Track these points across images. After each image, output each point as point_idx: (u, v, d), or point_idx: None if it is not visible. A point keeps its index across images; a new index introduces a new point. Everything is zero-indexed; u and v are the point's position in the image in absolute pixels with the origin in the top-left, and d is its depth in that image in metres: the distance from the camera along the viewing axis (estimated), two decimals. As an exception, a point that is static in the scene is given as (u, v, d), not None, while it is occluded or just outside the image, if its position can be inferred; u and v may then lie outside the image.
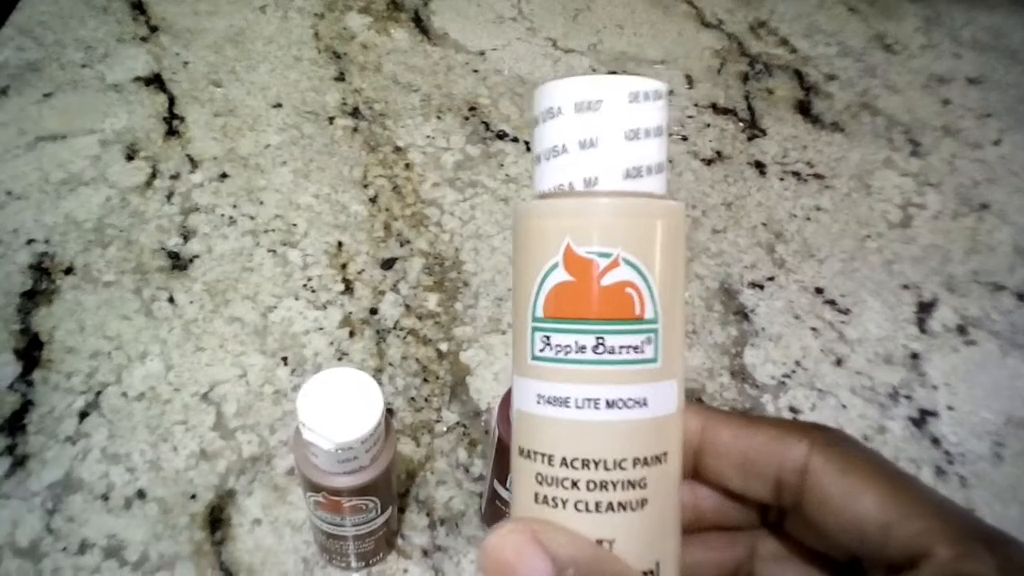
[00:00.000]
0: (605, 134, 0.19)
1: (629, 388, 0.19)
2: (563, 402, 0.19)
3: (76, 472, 0.45)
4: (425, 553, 0.44)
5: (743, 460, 0.21)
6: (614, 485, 0.19)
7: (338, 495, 0.36)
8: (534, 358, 0.20)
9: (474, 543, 0.44)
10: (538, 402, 0.19)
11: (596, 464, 0.19)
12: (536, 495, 0.19)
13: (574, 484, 0.19)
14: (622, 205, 0.19)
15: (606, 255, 0.19)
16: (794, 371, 0.53)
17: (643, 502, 0.19)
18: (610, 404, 0.19)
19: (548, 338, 0.19)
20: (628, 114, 0.19)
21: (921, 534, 0.18)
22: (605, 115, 0.19)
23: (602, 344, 0.19)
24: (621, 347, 0.19)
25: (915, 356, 0.56)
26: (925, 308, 0.59)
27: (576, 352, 0.19)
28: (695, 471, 0.22)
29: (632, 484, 0.19)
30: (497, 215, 0.61)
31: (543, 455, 0.19)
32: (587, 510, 0.19)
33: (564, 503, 0.19)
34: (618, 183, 0.19)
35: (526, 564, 0.17)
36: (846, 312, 0.58)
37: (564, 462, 0.19)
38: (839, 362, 0.55)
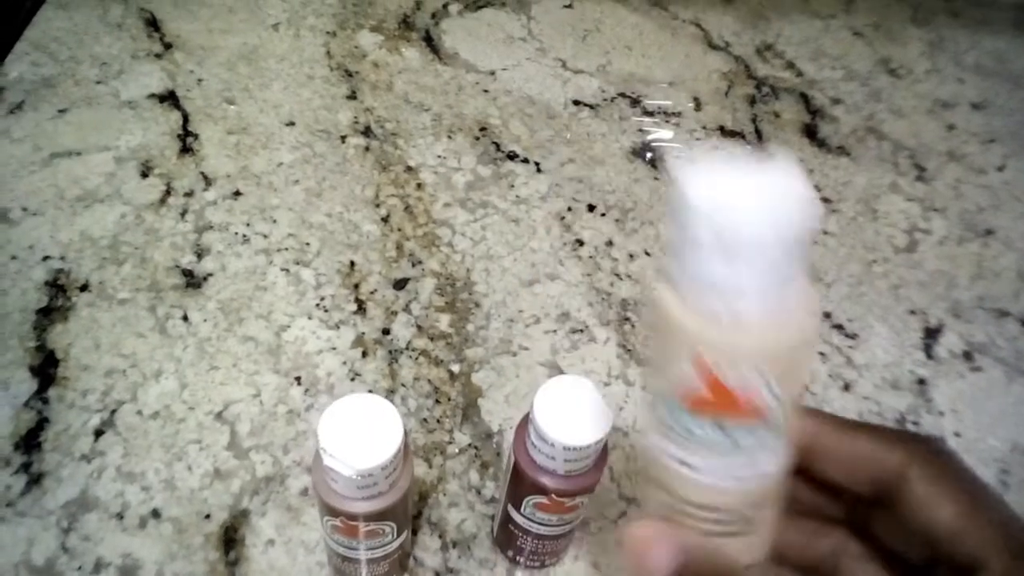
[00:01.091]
0: (756, 271, 0.20)
1: (750, 464, 0.23)
2: (693, 468, 0.23)
3: (91, 490, 0.45)
4: (437, 575, 0.44)
5: (849, 461, 0.24)
6: (728, 523, 0.24)
7: (355, 520, 0.36)
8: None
9: (486, 566, 0.45)
10: (671, 457, 0.23)
11: (714, 510, 0.23)
12: (663, 514, 0.24)
13: (694, 517, 0.24)
14: (765, 341, 0.21)
15: (744, 386, 0.21)
16: (802, 396, 0.54)
17: (748, 532, 0.24)
18: (734, 478, 0.23)
19: (688, 423, 0.22)
20: (777, 257, 0.20)
21: (984, 545, 0.20)
22: (758, 254, 0.20)
23: (731, 436, 0.22)
24: (746, 439, 0.22)
25: (922, 382, 0.56)
26: (931, 334, 0.59)
27: (710, 436, 0.22)
28: (803, 466, 0.24)
29: (742, 521, 0.24)
30: (508, 236, 0.61)
31: (670, 494, 0.24)
32: (702, 534, 0.24)
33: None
34: (763, 314, 0.20)
35: (659, 549, 0.23)
36: (853, 337, 0.58)
37: (689, 503, 0.24)
38: (847, 387, 0.55)
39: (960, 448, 0.53)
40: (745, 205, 0.20)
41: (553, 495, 0.37)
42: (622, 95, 0.75)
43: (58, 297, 0.53)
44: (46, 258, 0.55)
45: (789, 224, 0.20)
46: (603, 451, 0.37)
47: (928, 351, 0.58)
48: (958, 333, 0.59)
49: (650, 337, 0.23)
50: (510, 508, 0.41)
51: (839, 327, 0.59)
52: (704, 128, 0.73)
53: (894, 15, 0.89)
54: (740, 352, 0.21)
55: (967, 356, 0.58)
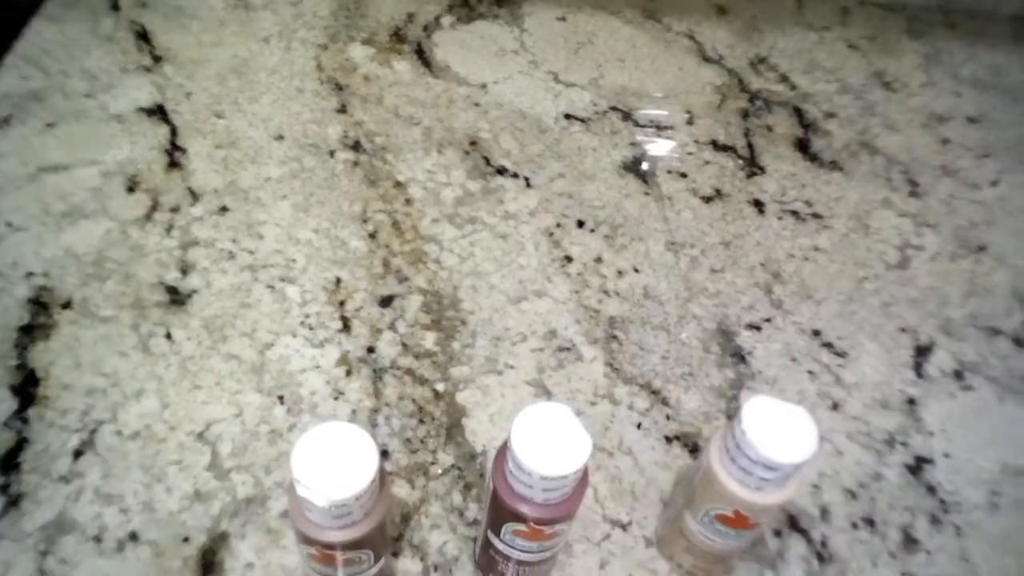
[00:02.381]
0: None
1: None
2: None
3: (69, 512, 0.44)
4: (418, 600, 0.44)
5: None
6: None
7: (332, 549, 0.36)
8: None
9: (467, 590, 0.44)
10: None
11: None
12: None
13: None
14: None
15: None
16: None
17: None
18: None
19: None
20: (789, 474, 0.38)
21: None
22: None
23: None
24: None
25: (912, 401, 0.56)
26: (922, 352, 0.59)
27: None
28: None
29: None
30: (496, 252, 0.61)
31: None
32: None
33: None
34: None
35: None
36: (843, 355, 0.58)
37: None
38: (836, 406, 0.55)
39: (950, 469, 0.52)
40: (780, 447, 0.37)
41: (532, 523, 0.37)
42: (614, 108, 0.75)
43: (40, 315, 0.53)
44: (29, 275, 0.55)
45: (804, 458, 0.37)
46: (583, 478, 0.37)
47: (919, 370, 0.58)
48: (949, 351, 0.59)
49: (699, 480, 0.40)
50: (490, 534, 0.40)
51: (828, 345, 0.58)
52: (696, 142, 0.73)
53: (889, 27, 0.89)
54: (755, 506, 0.39)
55: (958, 375, 0.58)
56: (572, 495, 0.37)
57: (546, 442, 0.35)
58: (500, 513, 0.38)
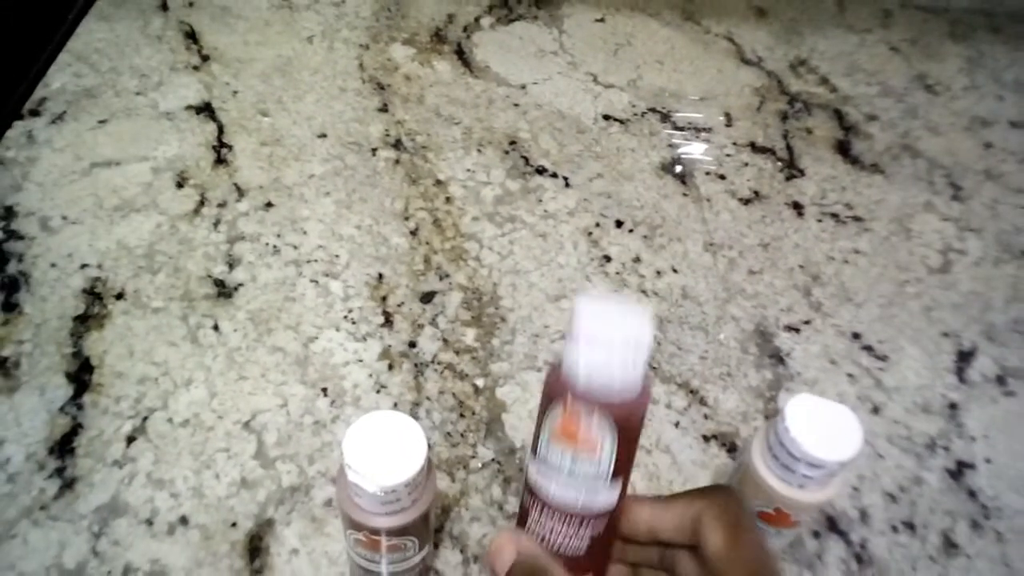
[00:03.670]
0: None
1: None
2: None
3: (122, 496, 0.46)
4: (458, 590, 0.44)
5: (676, 522, 0.30)
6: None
7: (378, 534, 0.36)
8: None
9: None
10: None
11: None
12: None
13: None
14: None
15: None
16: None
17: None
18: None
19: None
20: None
21: (734, 566, 0.28)
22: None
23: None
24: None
25: (953, 406, 0.55)
26: (964, 357, 0.58)
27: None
28: (648, 536, 0.32)
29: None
30: (535, 251, 0.62)
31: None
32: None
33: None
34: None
35: (505, 550, 0.31)
36: (884, 359, 0.57)
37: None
38: (876, 410, 0.54)
39: (991, 474, 0.52)
40: (824, 445, 0.37)
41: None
42: (652, 110, 0.75)
43: (95, 305, 0.55)
44: (84, 266, 0.57)
45: (849, 457, 0.37)
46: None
47: (960, 375, 0.57)
48: (992, 357, 0.58)
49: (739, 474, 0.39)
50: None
51: (869, 348, 0.58)
52: (735, 144, 0.73)
53: (932, 30, 0.88)
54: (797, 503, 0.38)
55: (1000, 380, 0.57)
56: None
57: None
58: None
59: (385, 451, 0.34)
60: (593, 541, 0.31)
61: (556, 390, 0.29)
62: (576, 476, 0.30)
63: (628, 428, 0.29)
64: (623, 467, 0.30)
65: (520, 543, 0.31)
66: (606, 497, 0.30)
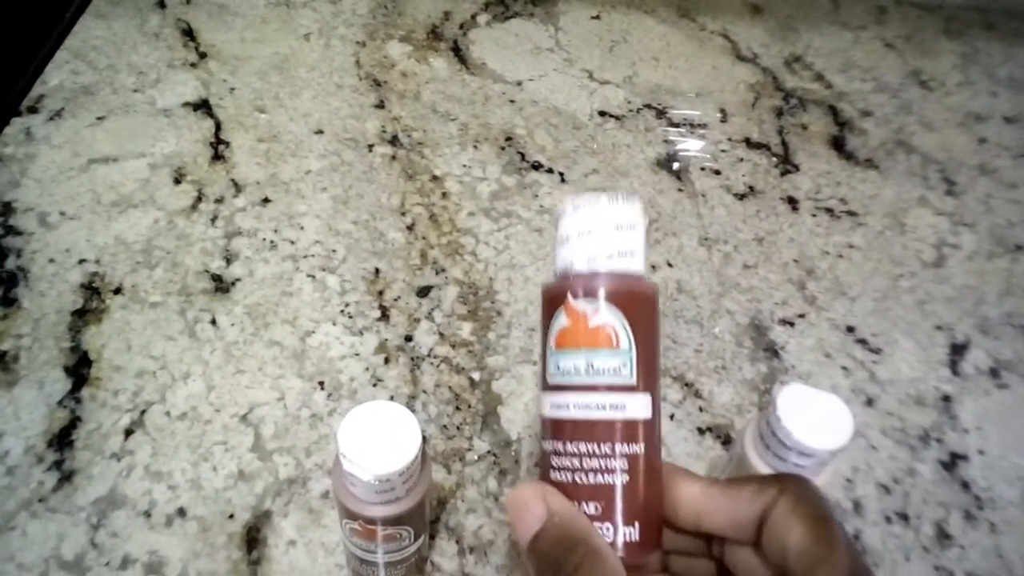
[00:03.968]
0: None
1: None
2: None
3: (120, 488, 0.46)
4: (454, 581, 0.45)
5: (735, 514, 0.26)
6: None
7: (373, 524, 0.37)
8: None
9: (502, 572, 0.45)
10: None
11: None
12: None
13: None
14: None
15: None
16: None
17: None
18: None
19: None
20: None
21: (822, 561, 0.23)
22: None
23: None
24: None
25: (947, 398, 0.55)
26: (958, 350, 0.58)
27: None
28: (693, 525, 0.27)
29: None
30: (531, 245, 0.62)
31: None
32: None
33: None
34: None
35: (530, 509, 0.26)
36: (877, 352, 0.58)
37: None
38: (870, 402, 0.55)
39: (984, 466, 0.52)
40: (815, 434, 0.37)
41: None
42: (648, 106, 0.75)
43: (93, 299, 0.55)
44: (82, 261, 0.57)
45: (839, 445, 0.37)
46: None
47: (954, 367, 0.57)
48: (985, 350, 0.59)
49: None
50: None
51: (863, 341, 0.58)
52: (730, 140, 0.73)
53: (926, 27, 0.89)
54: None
55: (993, 373, 0.57)
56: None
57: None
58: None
59: (380, 440, 0.35)
60: (631, 477, 0.26)
61: (556, 299, 0.27)
62: (596, 373, 0.26)
63: (642, 319, 0.27)
64: (647, 369, 0.27)
65: (549, 498, 0.26)
66: (636, 404, 0.27)
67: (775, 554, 0.25)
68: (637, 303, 0.27)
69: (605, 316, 0.26)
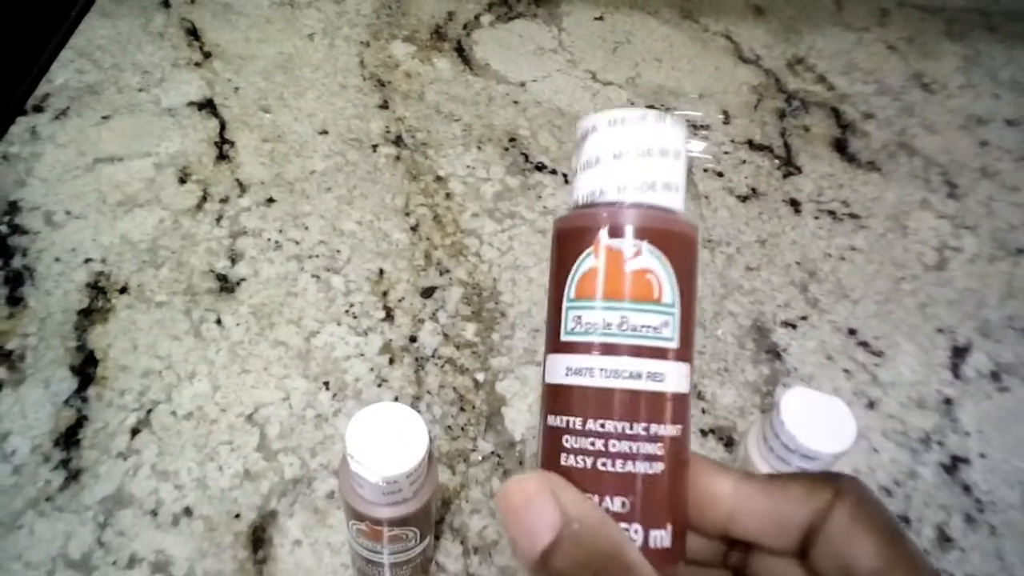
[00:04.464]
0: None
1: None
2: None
3: (127, 487, 0.46)
4: (458, 581, 0.45)
5: (778, 517, 0.22)
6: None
7: (380, 524, 0.37)
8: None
9: (507, 572, 0.46)
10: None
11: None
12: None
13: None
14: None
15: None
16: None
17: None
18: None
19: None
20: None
21: None
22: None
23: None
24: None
25: (948, 401, 0.56)
26: (959, 353, 0.59)
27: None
28: (725, 530, 0.23)
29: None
30: (535, 246, 0.62)
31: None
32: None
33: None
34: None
35: (536, 511, 0.19)
36: (879, 354, 0.58)
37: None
38: (872, 405, 0.55)
39: (986, 469, 0.52)
40: (818, 437, 0.37)
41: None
42: (651, 107, 0.75)
43: (98, 299, 0.55)
44: (88, 260, 0.57)
45: (843, 448, 0.37)
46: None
47: (955, 370, 0.58)
48: (986, 353, 0.59)
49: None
50: None
51: (865, 344, 0.59)
52: (733, 141, 0.73)
53: (929, 29, 0.89)
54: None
55: (995, 376, 0.58)
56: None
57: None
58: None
59: (387, 442, 0.35)
60: (667, 466, 0.21)
61: (578, 235, 0.22)
62: (632, 332, 0.21)
63: (685, 268, 0.22)
64: (688, 332, 0.22)
65: (562, 495, 0.19)
66: (676, 375, 0.21)
67: (832, 570, 0.20)
68: (682, 248, 0.22)
69: (647, 260, 0.21)
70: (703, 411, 0.54)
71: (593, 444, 0.21)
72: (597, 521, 0.19)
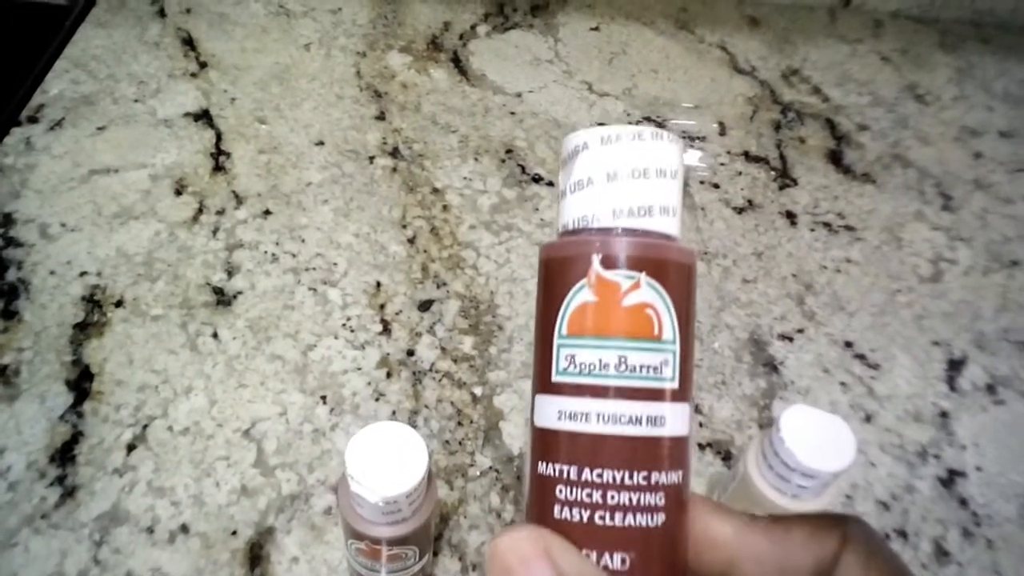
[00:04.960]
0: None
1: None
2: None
3: (123, 504, 0.46)
4: (457, 598, 0.45)
5: (782, 564, 0.20)
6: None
7: (379, 544, 0.37)
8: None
9: (505, 589, 0.45)
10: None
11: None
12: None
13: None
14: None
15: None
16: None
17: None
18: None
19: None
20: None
21: None
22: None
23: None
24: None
25: (944, 414, 0.56)
26: (955, 366, 0.59)
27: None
28: (715, 569, 0.21)
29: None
30: (532, 259, 0.62)
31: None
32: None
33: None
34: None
35: (532, 569, 0.18)
36: (876, 367, 0.58)
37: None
38: (868, 418, 0.55)
39: (982, 482, 0.53)
40: (819, 455, 0.38)
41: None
42: (647, 118, 0.76)
43: (94, 312, 0.55)
44: (83, 273, 0.57)
45: (843, 467, 0.37)
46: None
47: (951, 383, 0.58)
48: (982, 366, 0.59)
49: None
50: None
51: (861, 357, 0.59)
52: (728, 152, 0.74)
53: (922, 41, 0.89)
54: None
55: (990, 389, 0.58)
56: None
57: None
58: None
59: (387, 462, 0.35)
60: (669, 517, 0.20)
61: (569, 264, 0.20)
62: (630, 372, 0.20)
63: (684, 301, 0.20)
64: (687, 370, 0.21)
65: (556, 555, 0.18)
66: (677, 417, 0.20)
67: None
68: (680, 278, 0.20)
69: (646, 293, 0.20)
70: (700, 425, 0.54)
71: (590, 496, 0.20)
72: None
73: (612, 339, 0.20)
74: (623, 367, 0.20)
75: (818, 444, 0.37)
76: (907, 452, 0.54)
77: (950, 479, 0.53)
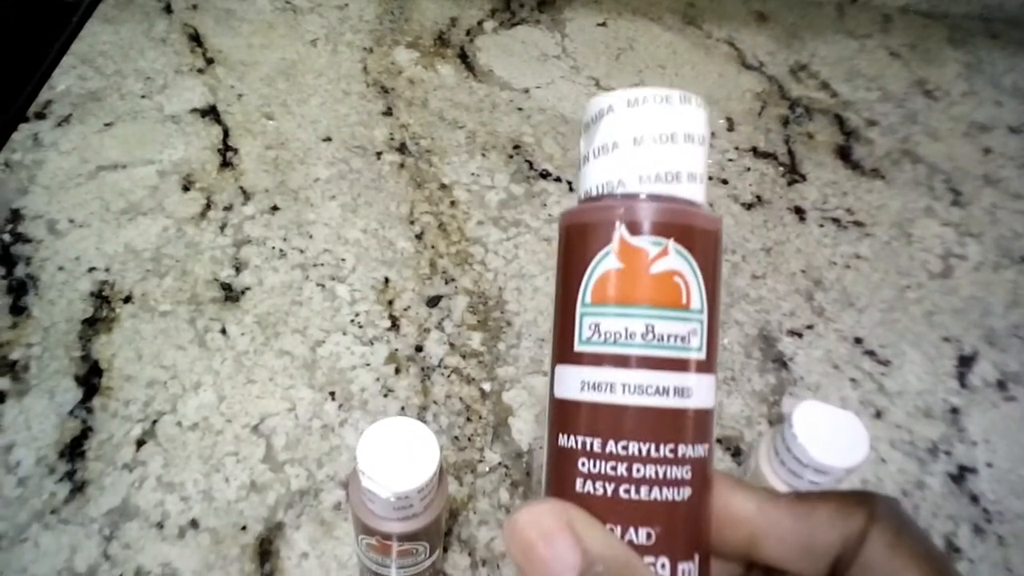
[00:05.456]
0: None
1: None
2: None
3: (133, 500, 0.46)
4: (467, 593, 0.45)
5: (806, 541, 0.20)
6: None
7: (390, 539, 0.37)
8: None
9: (514, 585, 0.45)
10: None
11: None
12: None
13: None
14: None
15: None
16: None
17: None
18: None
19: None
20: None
21: None
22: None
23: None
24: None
25: (955, 411, 0.56)
26: (965, 362, 0.59)
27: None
28: (747, 555, 0.21)
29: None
30: (540, 255, 0.62)
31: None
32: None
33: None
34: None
35: (555, 551, 0.17)
36: (886, 363, 0.58)
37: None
38: (878, 415, 0.55)
39: (993, 479, 0.52)
40: (831, 451, 0.37)
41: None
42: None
43: (103, 308, 0.55)
44: (91, 269, 0.57)
45: (855, 463, 0.37)
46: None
47: (962, 379, 0.58)
48: (992, 361, 0.59)
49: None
50: None
51: (871, 353, 0.58)
52: (737, 148, 0.73)
53: (931, 36, 0.89)
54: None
55: (1001, 385, 0.58)
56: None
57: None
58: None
59: (398, 458, 0.35)
60: (694, 491, 0.19)
61: (593, 230, 0.19)
62: (657, 342, 0.19)
63: (712, 269, 0.20)
64: (714, 341, 0.20)
65: (580, 528, 0.17)
66: (704, 389, 0.20)
67: None
68: (708, 246, 0.20)
69: (674, 260, 0.19)
70: (710, 421, 0.53)
71: (614, 468, 0.19)
72: (623, 561, 0.18)
73: (639, 307, 0.19)
74: (650, 336, 0.19)
75: (830, 440, 0.37)
76: (918, 448, 0.53)
77: (961, 475, 0.52)
